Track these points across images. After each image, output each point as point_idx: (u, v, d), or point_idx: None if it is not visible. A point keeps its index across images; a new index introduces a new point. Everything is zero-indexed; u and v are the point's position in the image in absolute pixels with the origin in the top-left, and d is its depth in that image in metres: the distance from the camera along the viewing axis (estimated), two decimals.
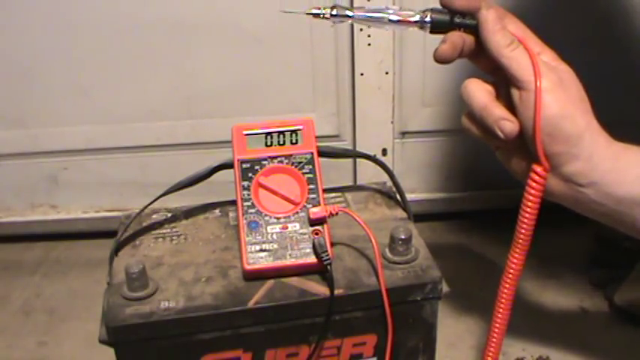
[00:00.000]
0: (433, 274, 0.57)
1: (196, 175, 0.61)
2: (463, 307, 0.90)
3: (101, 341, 0.54)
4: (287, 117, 0.61)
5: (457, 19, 0.54)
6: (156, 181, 1.04)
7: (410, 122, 1.05)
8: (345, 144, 1.06)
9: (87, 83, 1.00)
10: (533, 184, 0.54)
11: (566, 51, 0.54)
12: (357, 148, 1.03)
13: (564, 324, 0.88)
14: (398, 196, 0.67)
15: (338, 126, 1.05)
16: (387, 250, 0.58)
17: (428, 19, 0.54)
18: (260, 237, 0.56)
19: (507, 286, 0.58)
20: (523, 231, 0.56)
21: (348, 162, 1.07)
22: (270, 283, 0.56)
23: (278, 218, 0.57)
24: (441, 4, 0.54)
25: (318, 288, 0.55)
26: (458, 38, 0.53)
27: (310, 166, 0.59)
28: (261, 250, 0.56)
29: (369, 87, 1.00)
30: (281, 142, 0.60)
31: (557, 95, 0.51)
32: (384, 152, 1.05)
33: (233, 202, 0.60)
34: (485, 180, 1.06)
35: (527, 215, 0.55)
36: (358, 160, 1.06)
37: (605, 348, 0.83)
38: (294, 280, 0.56)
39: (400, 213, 0.66)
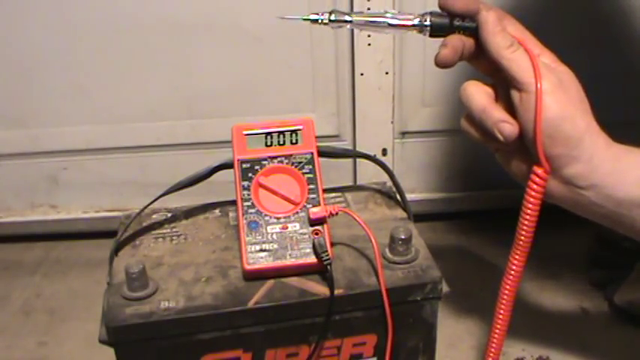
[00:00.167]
0: (433, 274, 0.57)
1: (196, 175, 0.61)
2: (463, 308, 0.90)
3: (101, 341, 0.54)
4: (287, 117, 0.61)
5: (456, 22, 0.54)
6: (156, 181, 1.04)
7: (410, 122, 1.05)
8: (345, 144, 1.06)
9: (87, 83, 1.00)
10: (534, 186, 0.54)
11: (566, 52, 0.54)
12: (357, 148, 1.03)
13: (564, 324, 0.88)
14: (398, 196, 0.67)
15: (338, 126, 1.05)
16: (387, 250, 0.58)
17: (427, 22, 0.54)
18: (260, 237, 0.56)
19: (508, 287, 0.58)
20: (524, 233, 0.56)
21: (348, 162, 1.07)
22: (270, 283, 0.56)
23: (278, 218, 0.57)
24: (440, 7, 0.54)
25: (318, 288, 0.55)
26: (458, 42, 0.53)
27: (310, 166, 0.59)
28: (261, 250, 0.56)
29: (369, 87, 1.00)
30: (281, 142, 0.60)
31: (557, 97, 0.51)
32: (384, 152, 1.05)
33: (233, 202, 0.60)
34: (485, 180, 1.06)
35: (527, 217, 0.55)
36: (358, 160, 1.06)
37: (605, 348, 0.83)
38: (294, 280, 0.56)
39: (400, 213, 0.66)
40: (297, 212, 0.57)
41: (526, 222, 0.55)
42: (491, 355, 0.61)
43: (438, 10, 0.54)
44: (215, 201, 0.68)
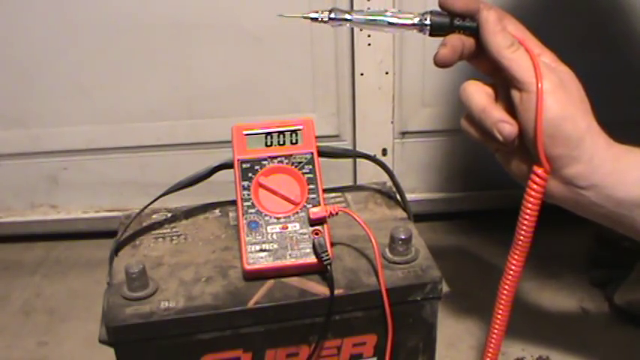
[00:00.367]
0: (433, 274, 0.57)
1: (196, 175, 0.61)
2: (463, 307, 0.90)
3: (101, 341, 0.54)
4: (287, 117, 0.61)
5: (457, 22, 0.54)
6: (156, 181, 1.04)
7: (410, 122, 1.05)
8: (345, 144, 1.06)
9: (87, 83, 1.00)
10: (534, 186, 0.54)
11: (566, 51, 0.54)
12: (357, 148, 1.03)
13: (564, 324, 0.88)
14: (398, 196, 0.67)
15: (338, 126, 1.05)
16: (387, 250, 0.58)
17: (427, 21, 0.54)
18: (260, 237, 0.56)
19: (507, 287, 0.58)
20: (523, 233, 0.56)
21: (348, 162, 1.07)
22: (270, 283, 0.56)
23: (278, 218, 0.57)
24: (440, 6, 0.54)
25: (318, 288, 0.55)
26: (457, 41, 0.53)
27: (310, 166, 0.59)
28: (261, 250, 0.56)
29: (369, 87, 1.00)
30: (281, 142, 0.60)
31: (558, 97, 0.51)
32: (384, 152, 1.05)
33: (233, 202, 0.60)
34: (485, 180, 1.06)
35: (527, 217, 0.55)
36: (358, 160, 1.06)
37: (605, 348, 0.83)
38: (294, 280, 0.56)
39: (400, 213, 0.66)
40: (297, 212, 0.57)
41: (526, 222, 0.55)
42: (490, 355, 0.61)
43: (438, 9, 0.54)
44: (215, 201, 0.68)
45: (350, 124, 1.04)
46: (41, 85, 1.00)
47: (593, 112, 0.53)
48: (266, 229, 0.57)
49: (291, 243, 0.56)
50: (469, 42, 0.54)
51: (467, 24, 0.53)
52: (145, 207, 0.62)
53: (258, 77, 1.01)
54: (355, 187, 0.71)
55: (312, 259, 0.55)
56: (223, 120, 0.99)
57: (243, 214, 0.57)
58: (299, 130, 0.60)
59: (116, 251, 0.61)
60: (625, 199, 0.52)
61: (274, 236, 0.56)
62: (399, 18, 0.54)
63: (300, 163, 0.59)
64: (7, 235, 1.11)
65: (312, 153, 0.59)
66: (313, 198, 0.58)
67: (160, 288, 0.55)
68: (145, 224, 0.65)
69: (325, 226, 0.57)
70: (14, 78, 1.00)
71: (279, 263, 0.55)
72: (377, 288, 0.55)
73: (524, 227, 0.56)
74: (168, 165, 1.05)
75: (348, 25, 0.55)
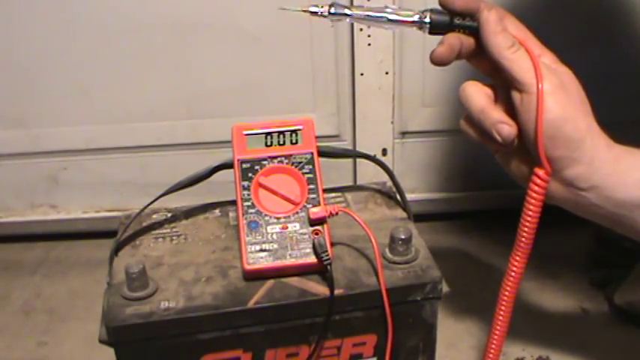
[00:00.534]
0: (433, 274, 0.57)
1: (196, 175, 0.61)
2: (463, 308, 0.90)
3: (101, 341, 0.54)
4: (287, 117, 0.61)
5: (457, 20, 0.54)
6: (156, 181, 1.04)
7: (410, 122, 1.05)
8: (345, 144, 1.06)
9: (87, 83, 1.00)
10: (535, 188, 0.53)
11: (566, 51, 0.54)
12: (357, 148, 1.03)
13: (564, 324, 0.88)
14: (398, 196, 0.67)
15: (338, 126, 1.05)
16: (387, 250, 0.58)
17: (427, 19, 0.54)
18: (260, 237, 0.56)
19: (508, 289, 0.58)
20: (525, 234, 0.56)
21: (348, 162, 1.07)
22: (270, 283, 0.56)
23: (278, 218, 0.57)
24: (441, 5, 0.54)
25: (318, 288, 0.55)
26: (455, 40, 0.53)
27: (310, 166, 0.59)
28: (261, 250, 0.56)
29: (369, 87, 1.00)
30: (281, 142, 0.60)
31: (558, 98, 0.51)
32: (384, 152, 1.05)
33: (233, 202, 0.60)
34: (485, 180, 1.06)
35: (528, 219, 0.55)
36: (358, 160, 1.06)
37: (605, 348, 0.83)
38: (294, 280, 0.56)
39: (400, 213, 0.66)
40: (297, 212, 0.57)
41: (527, 223, 0.55)
42: (491, 356, 0.61)
43: (438, 7, 0.54)
44: (215, 201, 0.68)
45: (350, 124, 1.04)
46: (41, 85, 1.00)
47: (593, 113, 0.53)
48: (266, 229, 0.57)
49: (291, 243, 0.56)
50: (468, 41, 0.54)
51: (467, 23, 0.53)
52: (145, 207, 0.62)
53: (258, 77, 1.01)
54: (355, 187, 0.71)
55: (312, 259, 0.55)
56: (223, 120, 0.99)
57: (243, 214, 0.57)
58: (299, 130, 0.60)
59: (116, 251, 0.60)
60: (625, 200, 0.52)
61: (274, 236, 0.56)
62: (399, 15, 0.54)
63: (300, 163, 0.59)
64: (7, 235, 1.11)
65: (312, 153, 0.59)
66: (313, 198, 0.58)
67: (160, 288, 0.55)
68: (144, 224, 0.65)
69: (325, 226, 0.57)
70: (14, 78, 1.00)
71: (279, 263, 0.55)
72: (377, 288, 0.55)
73: (525, 228, 0.55)
74: (168, 165, 1.05)
75: (347, 20, 0.55)
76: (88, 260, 1.06)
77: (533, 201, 0.54)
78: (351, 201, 0.68)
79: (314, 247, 0.55)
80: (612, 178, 0.52)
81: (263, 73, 1.00)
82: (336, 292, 0.54)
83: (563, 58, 0.54)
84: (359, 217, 0.55)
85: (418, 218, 0.68)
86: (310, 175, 0.59)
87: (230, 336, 0.55)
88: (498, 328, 0.60)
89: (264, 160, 0.59)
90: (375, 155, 0.83)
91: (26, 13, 0.95)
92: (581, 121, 0.51)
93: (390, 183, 0.67)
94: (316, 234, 0.56)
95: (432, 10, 0.54)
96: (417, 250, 0.59)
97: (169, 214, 0.66)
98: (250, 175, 0.58)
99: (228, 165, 0.60)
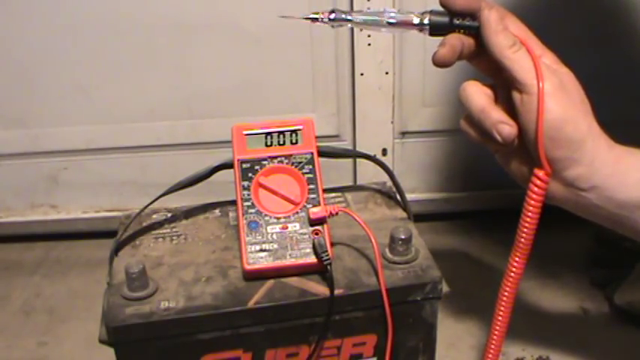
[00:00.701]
0: (433, 274, 0.57)
1: (196, 175, 0.61)
2: (463, 308, 0.90)
3: (101, 341, 0.54)
4: (287, 117, 0.61)
5: (457, 21, 0.53)
6: (156, 181, 1.04)
7: (410, 122, 1.05)
8: (345, 144, 1.06)
9: (87, 83, 1.00)
10: (535, 189, 0.53)
11: (566, 51, 0.54)
12: (357, 148, 1.03)
13: (564, 324, 0.88)
14: (398, 196, 0.67)
15: (338, 126, 1.05)
16: (387, 250, 0.58)
17: (427, 21, 0.54)
18: (260, 237, 0.56)
19: (508, 289, 0.58)
20: (524, 235, 0.56)
21: (348, 162, 1.07)
22: (270, 283, 0.56)
23: (278, 218, 0.57)
24: (441, 5, 0.54)
25: (318, 288, 0.55)
26: (457, 41, 0.53)
27: (310, 166, 0.59)
28: (261, 250, 0.56)
29: (369, 87, 1.00)
30: (281, 142, 0.60)
31: (559, 99, 0.50)
32: (384, 152, 1.05)
33: (233, 202, 0.60)
34: (485, 180, 1.06)
35: (528, 219, 0.55)
36: (358, 160, 1.06)
37: (605, 348, 0.83)
38: (294, 280, 0.56)
39: (400, 213, 0.66)
40: (297, 212, 0.57)
41: (527, 224, 0.55)
42: (491, 356, 0.61)
43: (438, 8, 0.54)
44: (215, 201, 0.68)
45: (350, 124, 1.04)
46: (41, 85, 1.00)
47: (593, 113, 0.52)
48: (266, 229, 0.57)
49: (291, 243, 0.56)
50: (469, 42, 0.53)
51: (467, 23, 0.53)
52: (145, 207, 0.62)
53: (258, 77, 1.01)
54: (355, 187, 0.71)
55: (312, 259, 0.55)
56: (223, 120, 0.99)
57: (243, 214, 0.57)
58: (299, 130, 0.60)
59: (116, 251, 0.60)
60: (626, 200, 0.52)
61: (274, 236, 0.56)
62: (399, 18, 0.54)
63: (300, 163, 0.59)
64: (7, 235, 1.11)
65: (312, 153, 0.59)
66: (313, 198, 0.58)
67: (160, 288, 0.55)
68: (144, 224, 0.65)
69: (325, 226, 0.57)
70: (14, 78, 1.00)
71: (279, 263, 0.55)
72: (377, 288, 0.55)
73: (525, 229, 0.55)
74: (168, 165, 1.05)
75: (348, 25, 0.55)
76: (88, 260, 1.06)
77: (532, 202, 0.54)
78: (351, 201, 0.68)
79: (314, 247, 0.55)
80: (613, 178, 0.52)
81: (263, 73, 1.00)
82: (336, 292, 0.54)
83: (563, 58, 0.54)
84: (359, 217, 0.55)
85: (418, 218, 0.68)
86: (310, 175, 0.59)
87: (230, 336, 0.55)
88: (498, 328, 0.60)
89: (264, 160, 0.59)
90: (375, 155, 0.83)
91: (26, 13, 0.95)
92: (582, 121, 0.51)
93: (390, 183, 0.67)
94: (316, 234, 0.56)
95: (431, 12, 0.54)
96: (417, 250, 0.59)
97: (169, 214, 0.66)
98: (250, 175, 0.58)
99: (228, 165, 0.60)
